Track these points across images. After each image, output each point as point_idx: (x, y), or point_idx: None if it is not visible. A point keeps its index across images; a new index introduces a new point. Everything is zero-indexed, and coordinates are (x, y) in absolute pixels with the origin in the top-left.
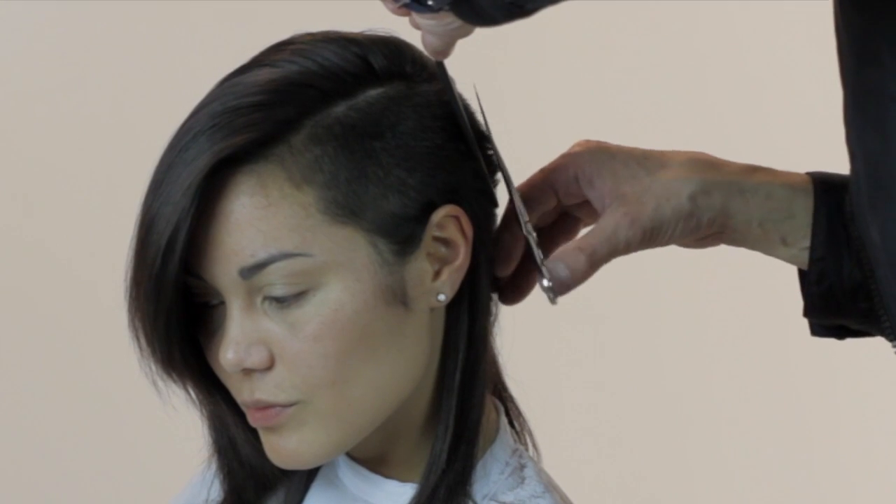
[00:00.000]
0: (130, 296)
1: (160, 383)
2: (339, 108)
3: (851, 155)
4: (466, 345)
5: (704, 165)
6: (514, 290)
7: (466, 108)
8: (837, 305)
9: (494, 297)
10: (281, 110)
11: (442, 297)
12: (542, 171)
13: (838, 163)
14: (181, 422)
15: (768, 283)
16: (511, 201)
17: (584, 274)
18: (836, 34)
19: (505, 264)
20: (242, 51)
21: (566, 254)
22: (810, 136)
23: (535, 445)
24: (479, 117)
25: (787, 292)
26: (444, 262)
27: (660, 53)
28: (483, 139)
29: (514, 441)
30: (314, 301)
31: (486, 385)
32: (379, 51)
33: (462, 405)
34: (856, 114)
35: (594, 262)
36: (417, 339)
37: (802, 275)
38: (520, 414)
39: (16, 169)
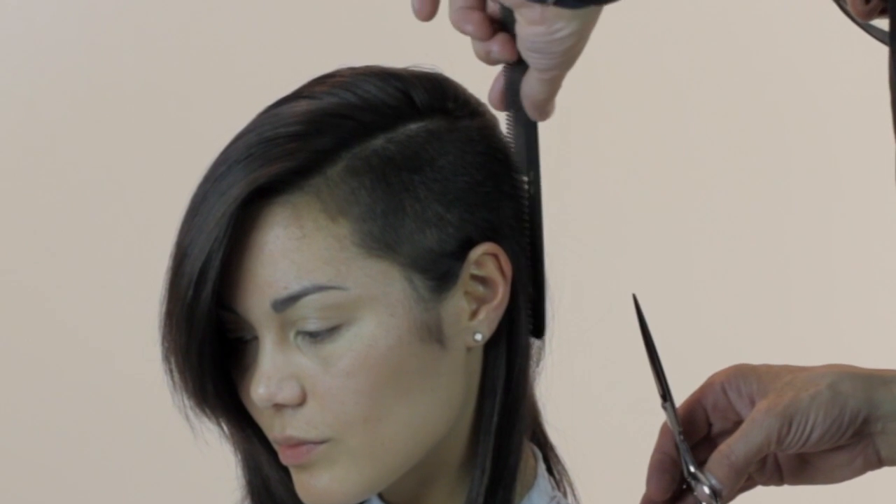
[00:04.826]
0: (163, 328)
1: (193, 419)
2: (378, 141)
3: None
4: (504, 387)
5: (843, 366)
6: None
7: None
8: None
9: (535, 340)
10: (318, 141)
11: (479, 337)
12: (692, 394)
13: None
14: (213, 463)
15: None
16: (670, 417)
17: (731, 482)
18: (891, 88)
19: (662, 486)
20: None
21: (710, 464)
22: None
23: (574, 494)
24: None
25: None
26: (481, 300)
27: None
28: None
29: (553, 488)
30: (347, 336)
31: (525, 429)
32: (421, 86)
33: (500, 449)
34: None
35: (734, 465)
36: (453, 378)
37: None
38: (559, 461)
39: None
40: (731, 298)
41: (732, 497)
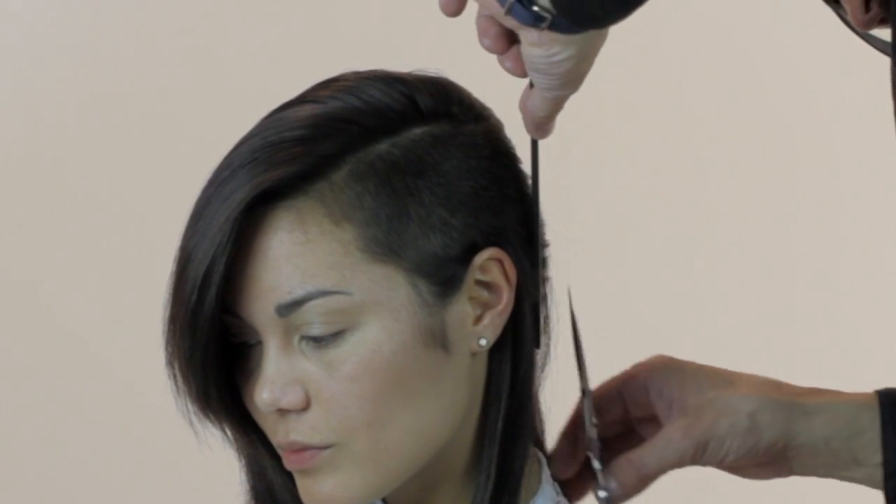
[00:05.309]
0: (167, 332)
1: (197, 424)
2: (382, 146)
3: None
4: (509, 392)
5: (768, 385)
6: (575, 489)
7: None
8: None
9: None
10: (322, 145)
11: (483, 342)
12: (613, 379)
13: None
14: (217, 468)
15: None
16: (581, 403)
17: (634, 488)
18: (894, 97)
19: (566, 466)
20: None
21: (617, 467)
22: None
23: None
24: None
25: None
26: (486, 306)
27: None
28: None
29: (558, 493)
30: (351, 341)
31: (530, 435)
32: (426, 90)
33: (504, 455)
34: None
35: (643, 476)
36: (457, 383)
37: (885, 495)
38: None
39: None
40: (735, 302)
41: (625, 500)
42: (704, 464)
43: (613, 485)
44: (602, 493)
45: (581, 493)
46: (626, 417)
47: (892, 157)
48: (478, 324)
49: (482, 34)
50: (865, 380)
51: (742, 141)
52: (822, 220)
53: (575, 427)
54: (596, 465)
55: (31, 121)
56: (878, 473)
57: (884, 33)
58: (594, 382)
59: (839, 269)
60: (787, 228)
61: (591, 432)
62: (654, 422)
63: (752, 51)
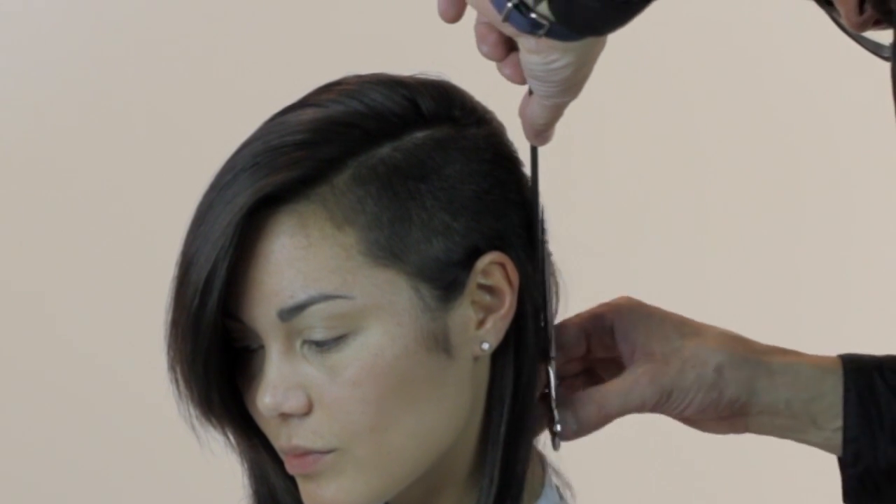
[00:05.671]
0: (169, 337)
1: (199, 429)
2: (384, 149)
3: None
4: (512, 396)
5: (735, 341)
6: None
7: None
8: (875, 487)
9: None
10: (324, 149)
11: (486, 346)
12: (579, 316)
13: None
14: (219, 473)
15: None
16: (542, 334)
17: (593, 426)
18: (895, 98)
19: None
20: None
21: (579, 402)
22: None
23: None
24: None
25: None
26: (488, 310)
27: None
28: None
29: (561, 498)
30: (354, 345)
31: (532, 438)
32: (427, 93)
33: (507, 458)
34: None
35: (603, 415)
36: (460, 388)
37: (840, 459)
38: (558, 475)
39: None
40: (738, 303)
41: (580, 436)
42: (663, 412)
43: (571, 420)
44: (556, 427)
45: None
46: (587, 356)
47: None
48: (480, 328)
49: (480, 40)
50: None
51: (744, 142)
52: (824, 220)
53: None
54: (553, 397)
55: (33, 124)
56: (836, 438)
57: (877, 35)
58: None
59: (841, 269)
60: (788, 228)
61: (550, 365)
62: (614, 363)
63: (753, 49)
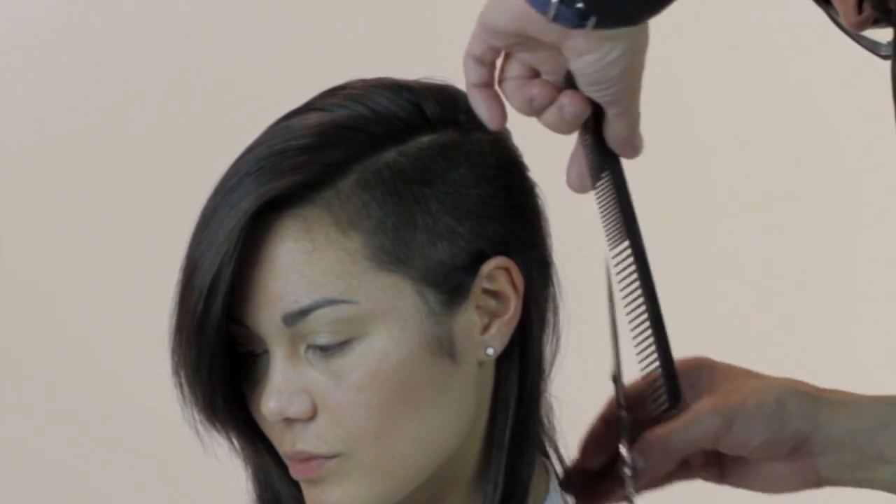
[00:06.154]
0: (173, 341)
1: (203, 434)
2: (389, 154)
3: None
4: (517, 401)
5: (796, 381)
6: (602, 491)
7: None
8: None
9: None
10: (328, 154)
11: (491, 351)
12: (645, 377)
13: None
14: (224, 478)
15: None
16: (616, 393)
17: (661, 464)
18: (894, 98)
19: (596, 455)
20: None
21: (645, 442)
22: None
23: None
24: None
25: None
26: (493, 315)
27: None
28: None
29: (564, 503)
30: (358, 350)
31: (537, 444)
32: (433, 98)
33: (512, 464)
34: None
35: (668, 450)
36: (464, 393)
37: None
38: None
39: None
40: (741, 303)
41: (655, 480)
42: (727, 448)
43: (640, 461)
44: (628, 471)
45: (608, 496)
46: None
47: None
48: (485, 333)
49: (522, 91)
50: (878, 384)
51: (747, 143)
52: (829, 219)
53: (611, 412)
54: (624, 441)
55: (37, 129)
56: None
57: (876, 34)
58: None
59: (847, 271)
60: (791, 229)
61: (622, 415)
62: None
63: (756, 50)
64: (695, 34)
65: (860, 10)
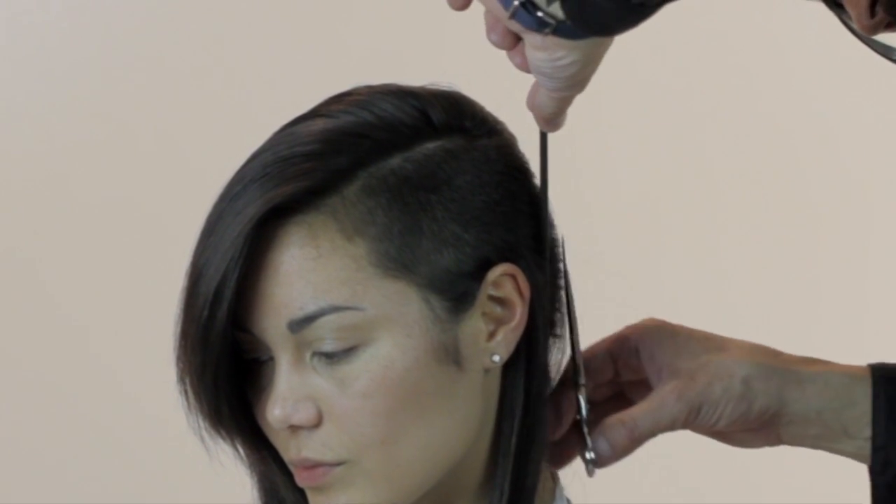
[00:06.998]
0: (178, 348)
1: (208, 441)
2: (395, 160)
3: None
4: (523, 408)
5: (763, 352)
6: (559, 454)
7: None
8: None
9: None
10: (334, 160)
11: (497, 358)
12: (604, 340)
13: None
14: (229, 485)
15: None
16: (571, 362)
17: (625, 449)
18: None
19: (555, 427)
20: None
21: (609, 427)
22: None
23: None
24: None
25: None
26: (499, 322)
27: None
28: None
29: None
30: (364, 357)
31: (543, 451)
32: (438, 104)
33: (518, 471)
34: None
35: (635, 437)
36: (470, 400)
37: (869, 467)
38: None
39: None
40: (743, 304)
41: (613, 462)
42: (695, 428)
43: (604, 445)
44: (590, 455)
45: (567, 458)
46: (615, 380)
47: None
48: (491, 340)
49: (490, 30)
50: None
51: (747, 144)
52: (839, 223)
53: (563, 387)
54: (585, 424)
55: (40, 135)
56: (868, 447)
57: (888, 38)
58: (585, 344)
59: (858, 274)
60: (793, 229)
61: (580, 392)
62: (643, 385)
63: (756, 48)
64: (696, 36)
65: (873, 13)
